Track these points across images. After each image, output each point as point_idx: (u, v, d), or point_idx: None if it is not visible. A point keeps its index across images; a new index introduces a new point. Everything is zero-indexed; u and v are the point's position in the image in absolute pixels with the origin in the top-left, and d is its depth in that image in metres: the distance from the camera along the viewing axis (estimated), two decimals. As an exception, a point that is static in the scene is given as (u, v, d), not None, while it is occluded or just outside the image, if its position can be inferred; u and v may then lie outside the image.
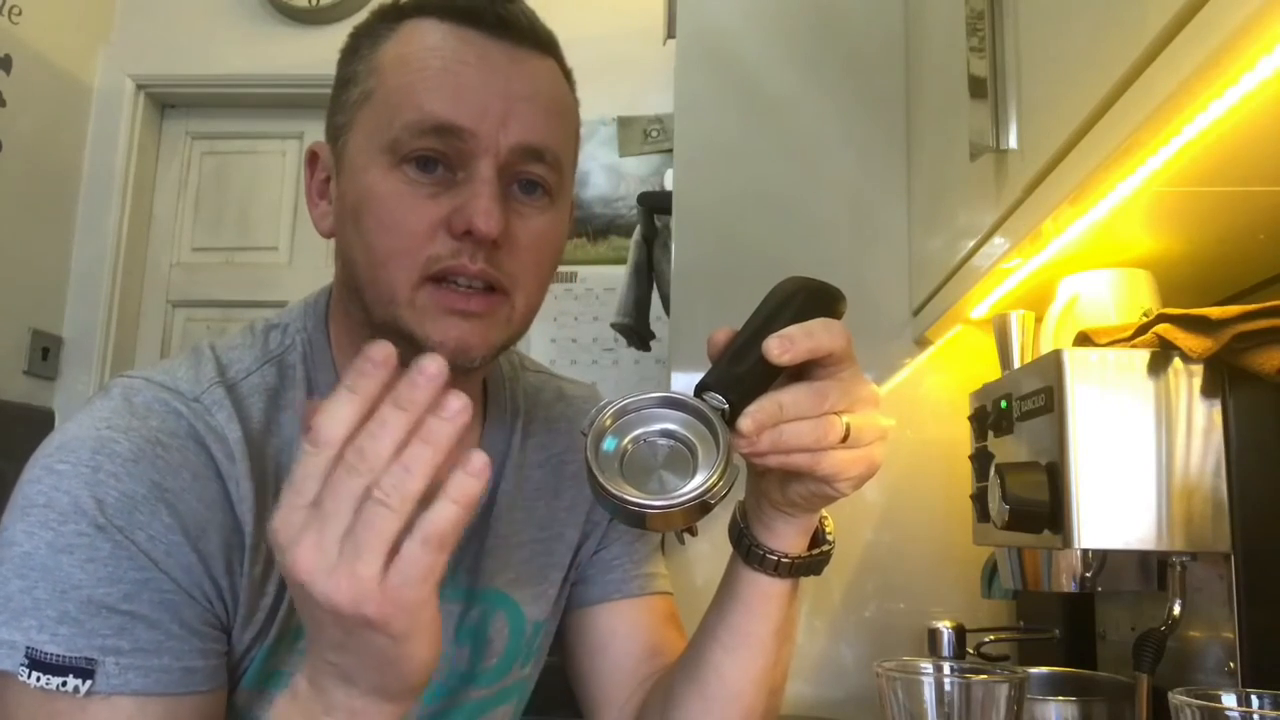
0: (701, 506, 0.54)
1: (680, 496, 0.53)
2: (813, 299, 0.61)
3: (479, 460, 0.46)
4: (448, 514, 0.45)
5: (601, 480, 0.53)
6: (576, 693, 0.86)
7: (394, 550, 0.45)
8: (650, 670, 0.81)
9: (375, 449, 0.45)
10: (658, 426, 0.56)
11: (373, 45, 0.70)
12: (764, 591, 0.69)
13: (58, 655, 0.57)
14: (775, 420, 0.56)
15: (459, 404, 0.45)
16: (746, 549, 0.68)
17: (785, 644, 0.73)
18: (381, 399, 0.46)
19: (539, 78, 0.70)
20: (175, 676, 0.60)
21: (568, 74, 0.74)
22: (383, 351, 0.46)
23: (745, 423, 0.55)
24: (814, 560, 0.69)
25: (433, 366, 0.45)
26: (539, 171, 0.69)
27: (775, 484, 0.65)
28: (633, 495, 0.53)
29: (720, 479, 0.54)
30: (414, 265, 0.65)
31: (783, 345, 0.56)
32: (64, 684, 0.57)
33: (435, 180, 0.66)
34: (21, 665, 0.57)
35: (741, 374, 0.58)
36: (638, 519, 0.54)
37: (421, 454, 0.45)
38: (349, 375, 0.47)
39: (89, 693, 0.58)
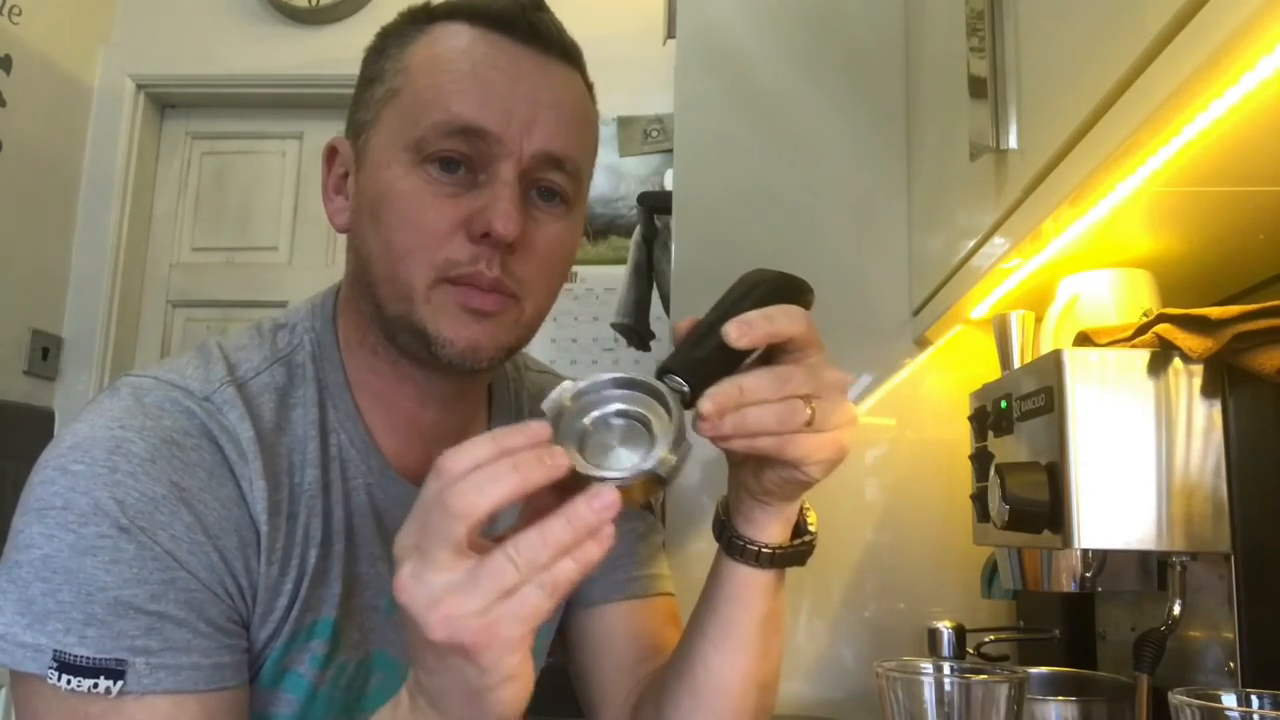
0: (653, 479, 0.55)
1: (632, 470, 0.54)
2: (776, 289, 0.62)
3: (608, 532, 0.50)
4: (570, 572, 0.48)
5: None
6: (578, 691, 0.86)
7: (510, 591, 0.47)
8: (651, 670, 0.81)
9: (533, 554, 0.48)
10: (615, 407, 0.57)
11: (401, 45, 0.71)
12: (746, 583, 0.69)
13: (87, 657, 0.57)
14: (736, 402, 0.57)
15: (609, 530, 0.49)
16: (728, 541, 0.69)
17: (773, 637, 0.73)
18: (505, 456, 0.49)
19: (564, 87, 0.71)
20: (205, 673, 0.61)
21: (590, 86, 0.76)
22: (542, 430, 0.51)
23: (705, 404, 0.56)
24: (795, 551, 0.69)
25: (609, 497, 0.49)
26: (558, 180, 0.70)
27: (750, 472, 0.65)
28: (589, 470, 0.53)
29: (671, 452, 0.54)
30: (431, 264, 0.66)
31: (740, 329, 0.57)
32: (95, 685, 0.57)
33: (456, 181, 0.67)
34: (50, 669, 0.57)
35: (702, 358, 0.59)
36: None
37: (567, 570, 0.48)
38: (501, 429, 0.50)
39: (120, 693, 0.58)
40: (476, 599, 0.46)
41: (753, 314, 0.58)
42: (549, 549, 0.47)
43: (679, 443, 0.55)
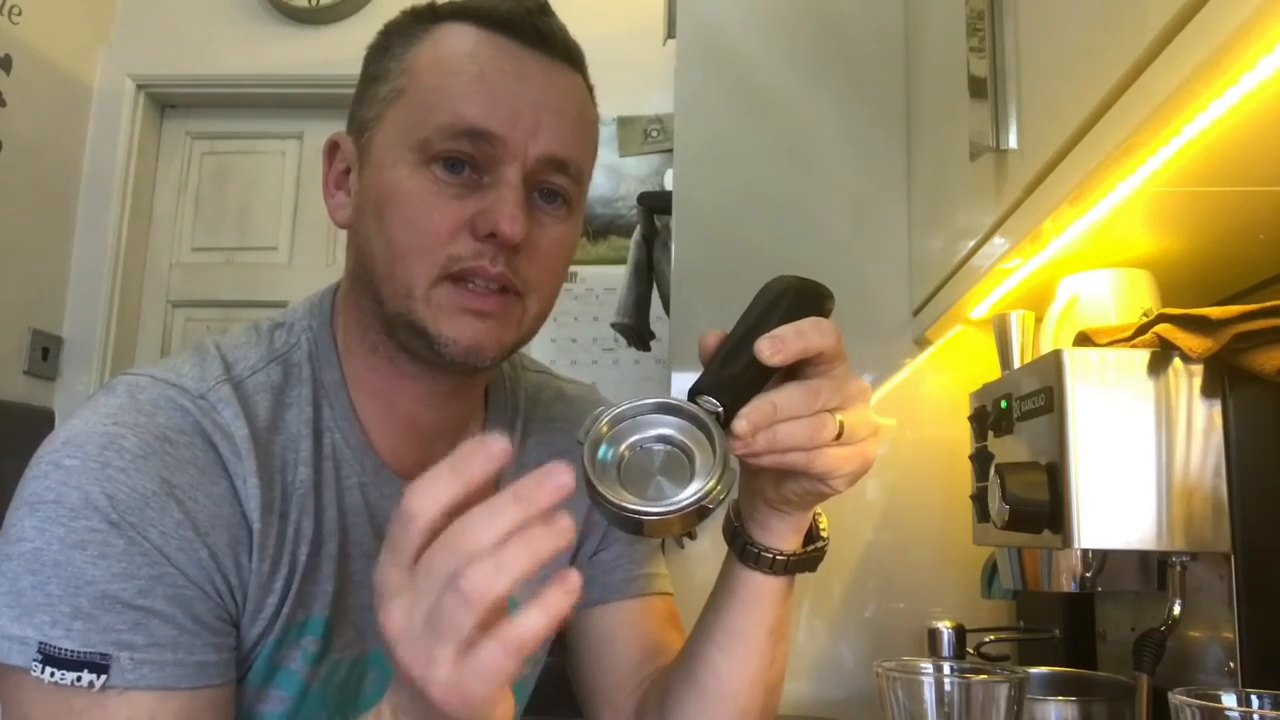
0: (699, 512, 0.54)
1: (679, 503, 0.52)
2: (801, 298, 0.61)
3: (575, 580, 0.45)
4: (535, 624, 0.44)
5: (600, 488, 0.53)
6: (577, 693, 0.86)
7: (470, 643, 0.44)
8: (650, 670, 0.81)
9: (477, 535, 0.44)
10: (654, 432, 0.56)
11: (406, 44, 0.71)
12: (759, 590, 0.69)
13: (72, 651, 0.57)
14: (770, 421, 0.57)
15: (567, 522, 0.45)
16: (741, 547, 0.69)
17: (781, 642, 0.73)
18: (481, 487, 0.45)
19: (569, 91, 0.72)
20: (189, 671, 0.61)
21: (591, 89, 0.76)
22: (500, 446, 0.46)
23: (741, 424, 0.56)
24: (809, 557, 0.69)
25: (564, 477, 0.45)
26: (562, 182, 0.70)
27: (770, 482, 0.65)
28: (631, 503, 0.52)
29: (718, 483, 0.53)
30: (434, 262, 0.66)
31: (774, 346, 0.57)
32: (79, 679, 0.57)
33: (461, 181, 0.67)
34: (35, 661, 0.57)
35: (734, 376, 0.58)
36: (636, 526, 0.54)
37: (517, 558, 0.44)
38: (455, 455, 0.46)
39: (104, 688, 0.58)
40: (443, 647, 0.44)
41: (785, 330, 0.58)
42: (493, 531, 0.44)
43: (724, 473, 0.54)
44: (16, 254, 2.41)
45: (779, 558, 0.68)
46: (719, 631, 0.71)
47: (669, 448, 0.56)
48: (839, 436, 0.59)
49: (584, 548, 0.85)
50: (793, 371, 0.60)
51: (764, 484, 0.66)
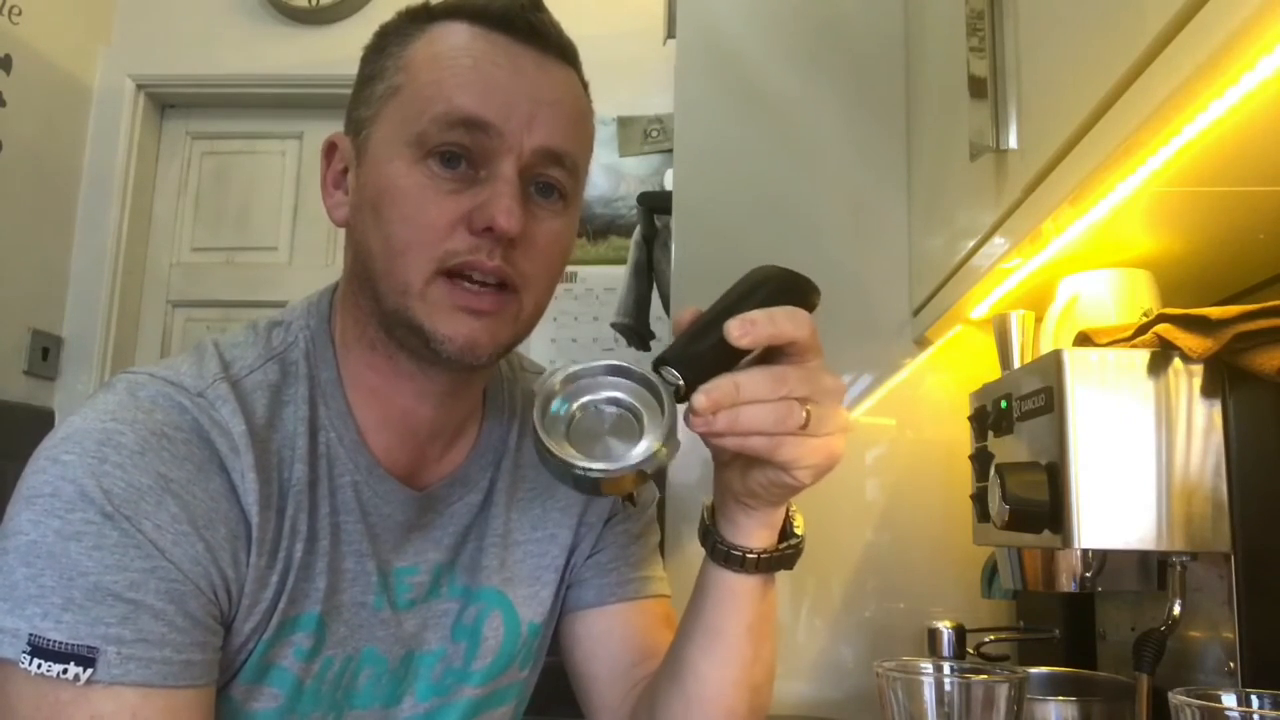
0: (639, 475, 0.55)
1: (619, 466, 0.54)
2: (783, 288, 0.62)
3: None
4: None
5: (546, 442, 0.54)
6: (576, 694, 0.86)
7: None
8: (645, 673, 0.81)
9: None
10: (606, 394, 0.58)
11: (402, 43, 0.72)
12: (732, 589, 0.70)
13: (60, 642, 0.58)
14: (731, 400, 0.57)
15: None
16: (712, 545, 0.70)
17: (762, 641, 0.73)
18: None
19: (563, 85, 0.72)
20: (175, 669, 0.61)
21: (586, 85, 0.76)
22: None
23: (699, 400, 0.56)
24: (780, 556, 0.69)
25: None
26: (557, 175, 0.70)
27: (737, 473, 0.66)
28: (576, 459, 0.54)
29: (661, 446, 0.54)
30: (430, 258, 0.66)
31: (743, 327, 0.57)
32: (64, 671, 0.57)
33: (457, 176, 0.67)
34: (23, 653, 0.57)
35: (700, 352, 0.58)
36: (582, 483, 0.56)
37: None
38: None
39: (89, 681, 0.58)
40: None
41: (756, 313, 0.58)
42: None
43: (669, 439, 0.55)
44: (16, 254, 2.41)
45: (749, 555, 0.68)
46: (697, 632, 0.72)
47: (620, 411, 0.57)
48: (805, 426, 0.59)
49: (580, 549, 0.85)
50: (766, 360, 0.60)
51: (731, 476, 0.66)
